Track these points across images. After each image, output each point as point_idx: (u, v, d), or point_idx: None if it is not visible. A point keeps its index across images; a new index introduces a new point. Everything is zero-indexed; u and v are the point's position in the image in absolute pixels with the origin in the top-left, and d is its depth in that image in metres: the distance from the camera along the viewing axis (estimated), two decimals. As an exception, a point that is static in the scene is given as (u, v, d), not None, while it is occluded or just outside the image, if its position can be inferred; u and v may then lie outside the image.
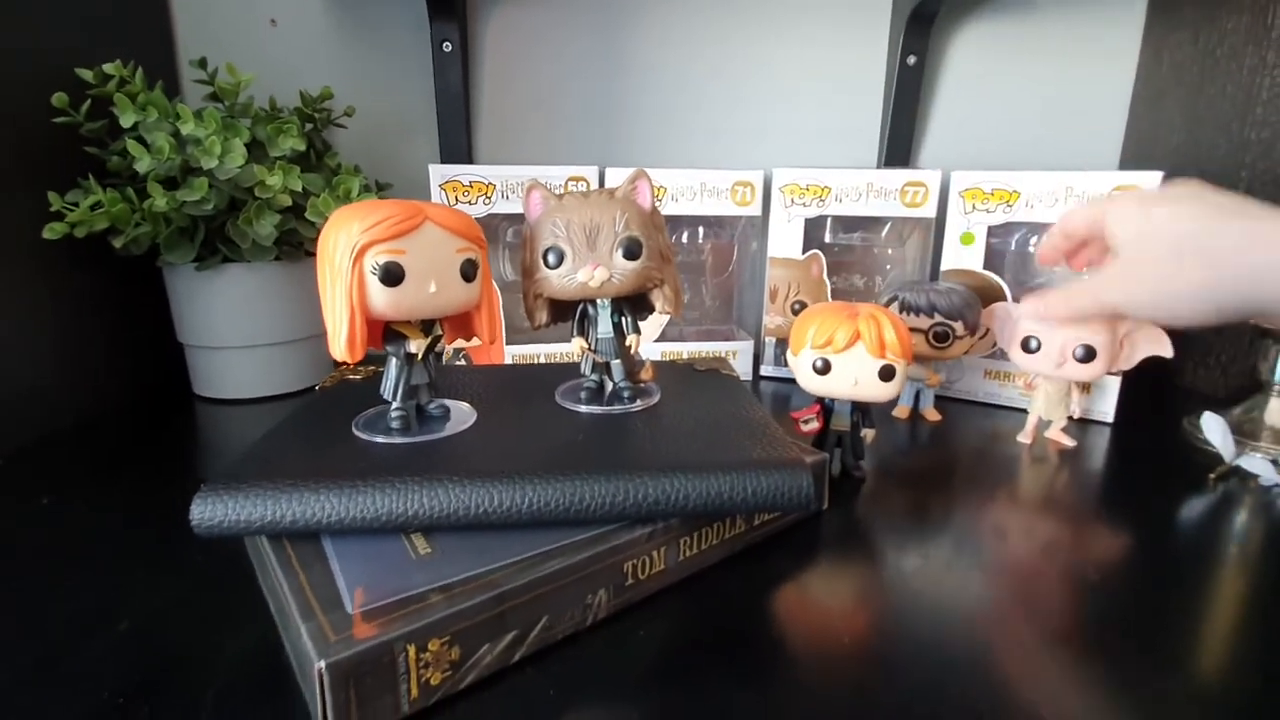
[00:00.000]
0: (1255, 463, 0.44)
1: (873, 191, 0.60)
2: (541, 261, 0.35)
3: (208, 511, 0.27)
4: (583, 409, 0.37)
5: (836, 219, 0.66)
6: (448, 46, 0.66)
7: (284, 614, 0.25)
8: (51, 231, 0.46)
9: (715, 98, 0.73)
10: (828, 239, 0.67)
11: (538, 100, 0.73)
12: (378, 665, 0.22)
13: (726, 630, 0.29)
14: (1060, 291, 0.42)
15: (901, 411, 0.56)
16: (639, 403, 0.38)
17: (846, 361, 0.39)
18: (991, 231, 0.57)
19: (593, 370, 0.39)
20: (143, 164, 0.49)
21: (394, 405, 0.34)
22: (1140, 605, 0.31)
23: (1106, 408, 0.55)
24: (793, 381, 0.43)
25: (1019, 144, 0.72)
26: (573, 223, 0.34)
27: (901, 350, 0.39)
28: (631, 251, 0.34)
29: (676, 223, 0.68)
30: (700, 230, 0.69)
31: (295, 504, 0.27)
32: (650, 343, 0.62)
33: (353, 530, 0.27)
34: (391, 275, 0.30)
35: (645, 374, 0.40)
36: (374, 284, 0.30)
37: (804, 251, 0.62)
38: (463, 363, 0.54)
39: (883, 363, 0.39)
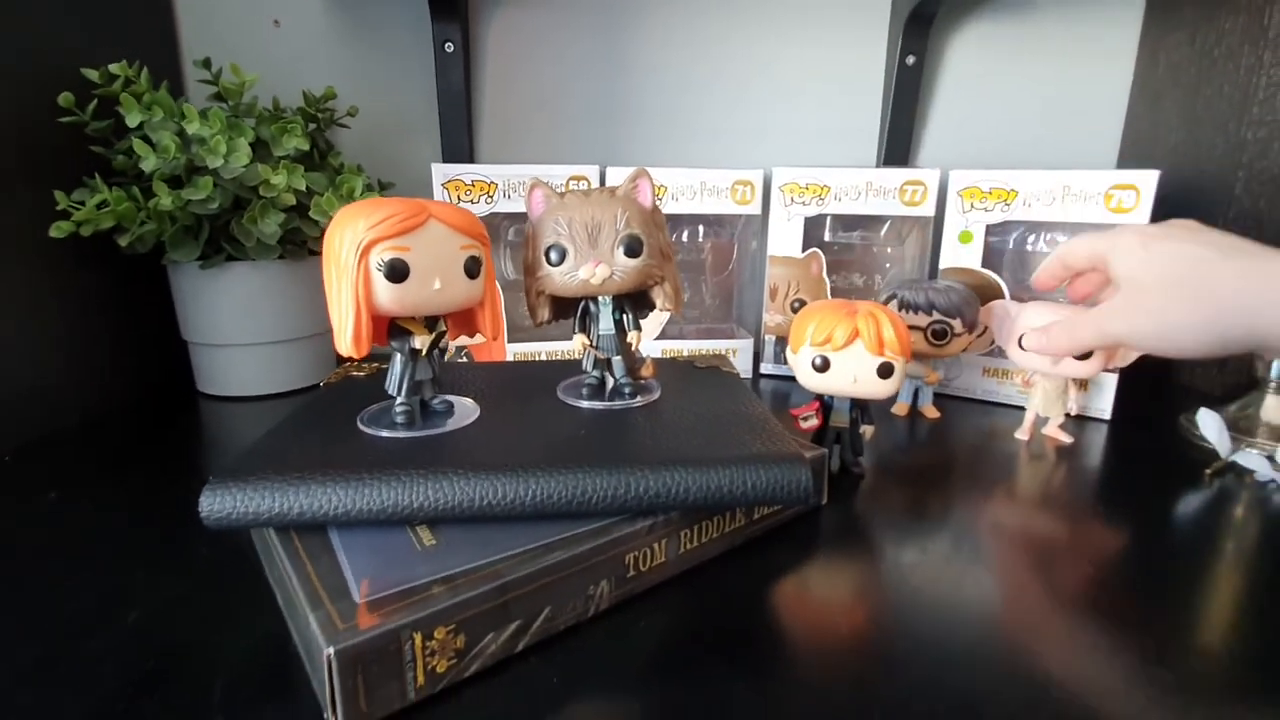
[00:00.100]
0: (1251, 458, 0.45)
1: (872, 190, 0.61)
2: (544, 259, 0.35)
3: (217, 503, 0.27)
4: (584, 404, 0.38)
5: (836, 218, 0.67)
6: (450, 47, 0.67)
7: (292, 604, 0.25)
8: (58, 230, 0.47)
9: (715, 98, 0.74)
10: (827, 237, 0.67)
11: (539, 100, 0.73)
12: (385, 652, 0.23)
13: (726, 622, 0.29)
14: (1063, 324, 0.43)
15: (900, 409, 0.56)
16: (640, 399, 0.38)
17: (845, 359, 0.40)
18: (989, 230, 0.58)
19: (594, 366, 0.39)
20: (148, 163, 0.49)
21: (398, 400, 0.34)
22: (1136, 600, 0.31)
23: (1104, 405, 0.55)
24: (792, 379, 0.44)
25: (1017, 143, 0.73)
26: (574, 221, 0.35)
27: (900, 348, 0.39)
28: (632, 249, 0.35)
29: (677, 221, 0.69)
30: (700, 229, 0.70)
31: (303, 496, 0.27)
32: (651, 341, 0.62)
33: (359, 522, 0.28)
34: (396, 272, 0.30)
35: (646, 370, 0.41)
36: (379, 280, 0.30)
37: (804, 250, 0.63)
38: (464, 360, 0.55)
39: (881, 360, 0.39)
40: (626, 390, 0.38)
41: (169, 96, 0.51)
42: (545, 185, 0.36)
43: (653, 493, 0.29)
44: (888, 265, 0.68)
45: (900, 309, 0.53)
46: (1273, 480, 0.43)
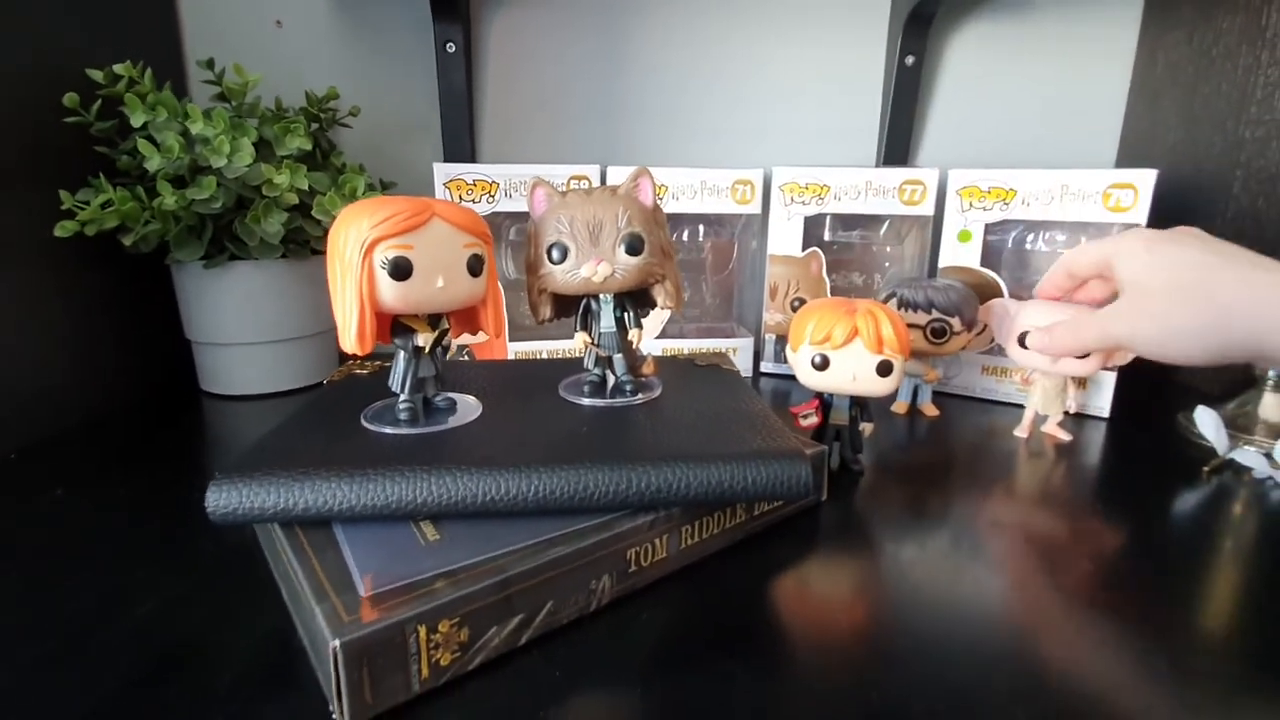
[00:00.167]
0: (1248, 456, 0.45)
1: (871, 190, 0.61)
2: (545, 257, 0.36)
3: (223, 499, 0.28)
4: (586, 402, 0.38)
5: (836, 217, 0.67)
6: (451, 47, 0.67)
7: (297, 598, 0.26)
8: (62, 229, 0.47)
9: (716, 98, 0.74)
10: (827, 237, 0.67)
11: (540, 100, 0.74)
12: (390, 645, 0.23)
13: (726, 617, 0.29)
14: (1067, 325, 0.43)
15: (899, 407, 0.56)
16: (641, 396, 0.38)
17: (845, 357, 0.40)
18: (988, 229, 0.58)
19: (595, 364, 0.40)
20: (152, 163, 0.49)
21: (402, 397, 0.35)
22: (1135, 597, 0.32)
23: (1102, 403, 0.55)
24: (792, 378, 0.44)
25: (1016, 143, 0.73)
26: (576, 219, 0.35)
27: (899, 346, 0.39)
28: (634, 247, 0.35)
29: (677, 220, 0.69)
30: (701, 228, 0.70)
31: (308, 492, 0.28)
32: (651, 340, 0.63)
33: (363, 517, 0.28)
34: (400, 270, 0.31)
35: (647, 368, 0.41)
36: (383, 278, 0.31)
37: (803, 249, 0.63)
38: (466, 358, 0.55)
39: (880, 358, 0.39)
40: (628, 387, 0.39)
41: (173, 97, 0.51)
42: (547, 184, 0.37)
43: (654, 488, 0.29)
44: (887, 264, 0.69)
45: (899, 307, 0.53)
46: (1270, 478, 0.43)
